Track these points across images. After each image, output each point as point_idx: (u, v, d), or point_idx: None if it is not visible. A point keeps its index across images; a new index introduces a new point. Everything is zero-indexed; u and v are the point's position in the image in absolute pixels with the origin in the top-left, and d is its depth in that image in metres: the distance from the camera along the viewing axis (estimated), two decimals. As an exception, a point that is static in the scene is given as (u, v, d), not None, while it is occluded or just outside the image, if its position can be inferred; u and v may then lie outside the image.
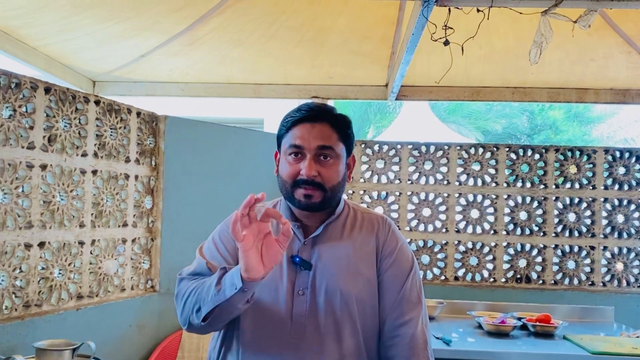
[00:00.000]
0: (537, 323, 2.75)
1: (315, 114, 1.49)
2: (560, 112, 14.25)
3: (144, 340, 2.99)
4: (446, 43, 2.19)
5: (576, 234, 3.82)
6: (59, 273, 2.55)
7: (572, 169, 3.84)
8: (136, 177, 2.96)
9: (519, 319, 2.94)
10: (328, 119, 1.50)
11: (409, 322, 1.46)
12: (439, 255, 3.86)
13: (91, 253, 2.70)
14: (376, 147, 3.94)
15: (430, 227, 3.88)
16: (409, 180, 3.89)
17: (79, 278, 2.64)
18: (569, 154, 3.84)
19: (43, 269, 2.46)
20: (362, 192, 3.92)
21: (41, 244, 2.43)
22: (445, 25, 2.19)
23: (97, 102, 2.73)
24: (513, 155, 3.86)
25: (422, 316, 1.49)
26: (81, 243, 2.64)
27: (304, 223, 1.53)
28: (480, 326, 2.92)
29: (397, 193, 3.89)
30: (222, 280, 1.32)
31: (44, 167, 2.45)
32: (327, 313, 1.44)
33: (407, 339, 1.45)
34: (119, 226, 2.86)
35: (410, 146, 3.90)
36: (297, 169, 1.46)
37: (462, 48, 2.25)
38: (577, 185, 3.83)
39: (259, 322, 1.45)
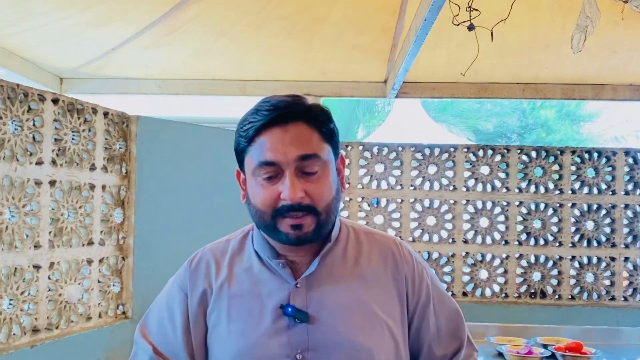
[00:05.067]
0: (568, 353, 2.40)
1: (284, 112, 1.06)
2: (552, 111, 14.00)
3: (115, 375, 2.60)
4: (471, 28, 1.82)
5: (595, 243, 3.47)
6: (9, 304, 2.15)
7: (590, 173, 3.50)
8: (103, 187, 2.57)
9: (544, 345, 2.58)
10: (301, 115, 1.07)
11: None
12: (445, 269, 3.50)
13: (49, 278, 2.30)
14: (375, 150, 3.56)
15: (435, 238, 3.51)
16: (411, 185, 3.53)
17: (34, 308, 2.24)
18: (587, 156, 3.50)
19: (-12, 300, 2.06)
20: (360, 199, 3.54)
21: (-15, 271, 2.03)
22: (470, 6, 1.82)
23: (55, 101, 2.33)
24: (525, 158, 3.51)
25: None
26: (37, 267, 2.24)
27: (289, 259, 1.12)
28: (500, 354, 2.57)
29: (399, 200, 3.53)
30: None
31: (-12, 178, 2.05)
32: None
33: None
34: (84, 245, 2.46)
35: (412, 148, 3.54)
36: (275, 193, 1.05)
37: (492, 33, 1.88)
38: (595, 191, 3.49)
39: None
